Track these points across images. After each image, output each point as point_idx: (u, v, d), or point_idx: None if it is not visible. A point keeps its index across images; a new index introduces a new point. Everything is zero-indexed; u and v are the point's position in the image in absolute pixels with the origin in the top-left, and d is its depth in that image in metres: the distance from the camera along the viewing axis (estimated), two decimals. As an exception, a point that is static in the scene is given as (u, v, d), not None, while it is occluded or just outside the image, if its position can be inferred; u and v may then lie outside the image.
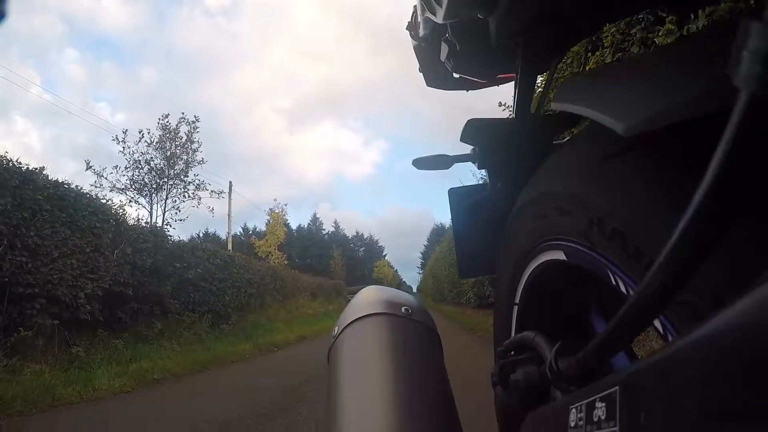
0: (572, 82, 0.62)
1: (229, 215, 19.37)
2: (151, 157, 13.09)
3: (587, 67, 3.60)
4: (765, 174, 0.25)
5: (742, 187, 0.24)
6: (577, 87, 0.57)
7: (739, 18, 0.31)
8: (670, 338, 0.39)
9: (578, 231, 0.51)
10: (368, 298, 0.58)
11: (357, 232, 63.23)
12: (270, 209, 26.93)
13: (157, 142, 13.24)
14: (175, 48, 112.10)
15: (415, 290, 43.59)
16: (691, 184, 0.26)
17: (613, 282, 0.46)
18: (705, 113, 0.33)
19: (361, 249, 62.16)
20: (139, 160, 12.87)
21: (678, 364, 0.27)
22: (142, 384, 5.57)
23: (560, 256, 0.57)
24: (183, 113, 14.51)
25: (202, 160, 14.00)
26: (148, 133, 13.14)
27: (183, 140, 13.69)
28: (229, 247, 17.95)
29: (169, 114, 13.77)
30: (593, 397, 0.34)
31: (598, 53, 3.52)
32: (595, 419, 0.33)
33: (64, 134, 67.56)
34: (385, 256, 63.45)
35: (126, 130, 12.91)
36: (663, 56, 0.50)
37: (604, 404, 0.33)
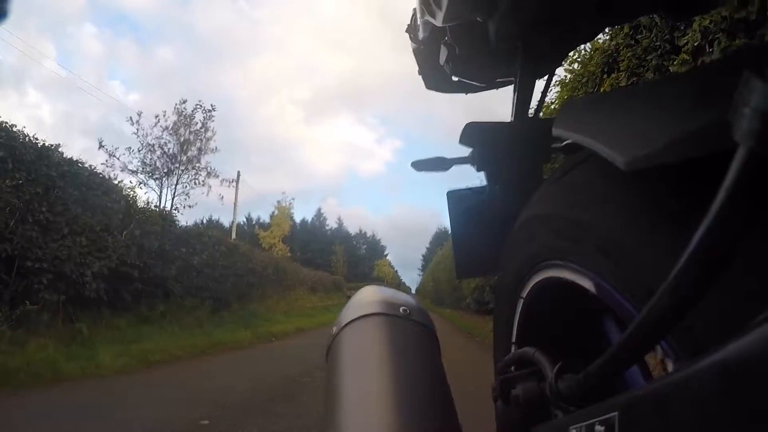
0: (573, 107, 0.60)
1: (235, 204, 19.45)
2: (165, 142, 13.13)
3: (602, 89, 3.64)
4: (763, 219, 0.25)
5: (740, 233, 0.25)
6: (579, 114, 0.56)
7: (748, 60, 0.33)
8: (670, 365, 0.38)
9: (617, 277, 0.46)
10: (367, 297, 0.57)
11: (360, 230, 63.40)
12: (278, 202, 27.14)
13: (171, 127, 13.28)
14: (194, 30, 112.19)
15: (413, 292, 43.10)
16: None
17: None
18: (707, 153, 0.33)
19: (364, 247, 62.19)
20: (153, 144, 12.92)
21: (677, 395, 0.27)
22: (143, 364, 5.64)
23: (585, 283, 0.52)
24: (200, 101, 14.56)
25: (215, 149, 14.07)
26: (164, 116, 13.22)
27: (198, 126, 13.73)
28: (233, 235, 18.02)
29: (186, 100, 13.82)
30: (593, 420, 0.34)
31: (613, 75, 3.57)
32: None
33: (76, 110, 67.79)
34: (386, 255, 63.55)
35: (141, 112, 12.99)
36: (668, 88, 0.48)
37: (603, 428, 0.33)
